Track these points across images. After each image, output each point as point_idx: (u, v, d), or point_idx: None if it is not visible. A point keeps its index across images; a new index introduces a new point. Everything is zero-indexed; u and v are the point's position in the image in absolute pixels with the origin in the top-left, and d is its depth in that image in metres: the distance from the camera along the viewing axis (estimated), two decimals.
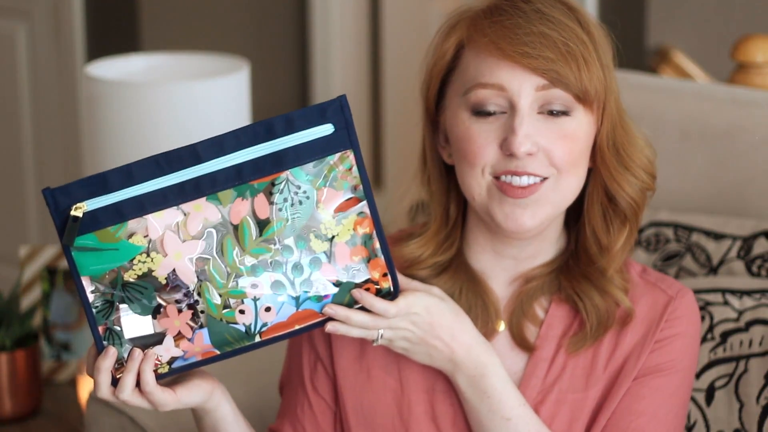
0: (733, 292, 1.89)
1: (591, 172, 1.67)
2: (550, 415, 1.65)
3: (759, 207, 2.01)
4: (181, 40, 3.60)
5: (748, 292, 1.88)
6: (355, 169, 1.53)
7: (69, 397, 2.68)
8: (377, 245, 1.55)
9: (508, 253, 1.70)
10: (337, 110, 1.51)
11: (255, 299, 1.53)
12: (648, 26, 3.07)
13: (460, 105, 1.63)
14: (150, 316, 1.53)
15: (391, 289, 1.57)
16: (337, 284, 1.55)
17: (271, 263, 1.53)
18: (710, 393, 1.85)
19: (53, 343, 2.75)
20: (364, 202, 1.54)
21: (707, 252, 1.98)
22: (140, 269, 1.52)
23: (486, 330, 1.68)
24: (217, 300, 1.53)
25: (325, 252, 1.53)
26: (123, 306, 1.53)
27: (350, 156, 1.52)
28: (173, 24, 3.66)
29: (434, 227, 1.71)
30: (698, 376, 1.85)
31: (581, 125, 1.61)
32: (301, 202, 1.52)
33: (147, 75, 2.62)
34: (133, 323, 1.54)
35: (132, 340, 1.54)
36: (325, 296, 1.55)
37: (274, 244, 1.52)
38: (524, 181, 1.60)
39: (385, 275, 1.56)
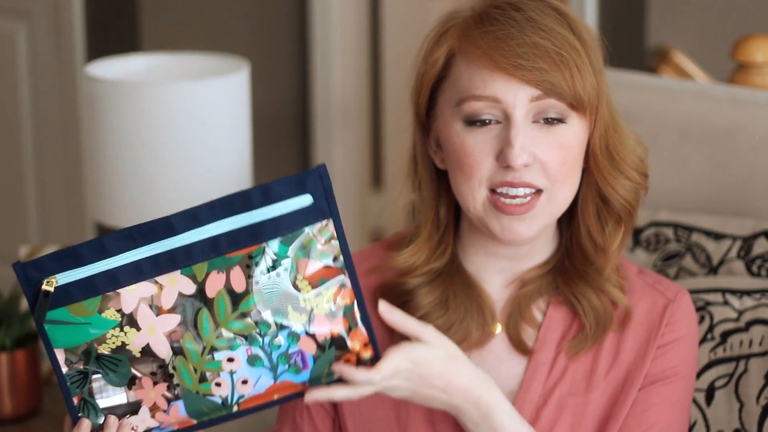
0: (733, 292, 1.89)
1: (584, 172, 1.66)
2: (552, 419, 1.65)
3: (759, 207, 2.00)
4: (181, 40, 3.60)
5: (748, 292, 1.88)
6: (335, 239, 1.47)
7: None
8: (358, 315, 1.49)
9: (503, 254, 1.69)
10: (316, 181, 1.45)
11: (231, 372, 1.49)
12: (648, 26, 3.07)
13: (453, 115, 1.62)
14: (125, 387, 1.51)
15: (373, 357, 1.51)
16: (316, 357, 1.50)
17: (247, 337, 1.48)
18: (710, 393, 1.85)
19: None
20: (345, 273, 1.48)
21: (707, 252, 1.98)
22: (114, 343, 1.48)
23: (482, 333, 1.67)
24: (193, 373, 1.49)
25: (303, 325, 1.48)
26: (97, 376, 1.50)
27: (330, 226, 1.47)
28: (173, 24, 3.66)
29: (425, 233, 1.69)
30: (698, 376, 1.85)
31: (576, 132, 1.61)
32: (278, 275, 1.47)
33: (147, 75, 2.62)
34: (108, 394, 1.51)
35: (107, 409, 1.51)
36: (304, 368, 1.50)
37: (251, 318, 1.47)
38: (520, 192, 1.59)
39: (366, 345, 1.51)
